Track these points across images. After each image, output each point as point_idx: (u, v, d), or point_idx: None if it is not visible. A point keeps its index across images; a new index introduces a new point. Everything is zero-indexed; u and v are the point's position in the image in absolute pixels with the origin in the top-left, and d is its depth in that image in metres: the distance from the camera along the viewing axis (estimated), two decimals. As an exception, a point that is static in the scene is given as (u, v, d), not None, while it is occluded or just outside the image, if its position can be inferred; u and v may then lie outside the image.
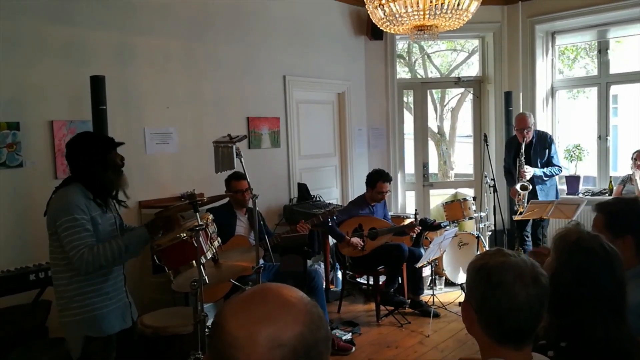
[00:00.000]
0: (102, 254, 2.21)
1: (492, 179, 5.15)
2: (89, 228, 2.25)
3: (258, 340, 0.78)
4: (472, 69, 10.12)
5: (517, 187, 5.00)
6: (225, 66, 4.79)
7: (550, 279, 1.53)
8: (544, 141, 5.18)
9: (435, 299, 4.77)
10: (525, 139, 5.06)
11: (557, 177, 5.33)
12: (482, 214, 5.62)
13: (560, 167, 5.21)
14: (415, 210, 5.09)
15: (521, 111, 5.64)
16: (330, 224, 4.47)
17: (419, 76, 10.52)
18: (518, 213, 4.91)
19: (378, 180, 4.72)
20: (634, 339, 1.59)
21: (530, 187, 5.00)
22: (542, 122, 6.21)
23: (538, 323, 1.29)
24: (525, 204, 4.93)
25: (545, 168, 5.08)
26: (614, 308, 1.55)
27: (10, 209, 3.43)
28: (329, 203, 5.41)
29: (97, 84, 3.53)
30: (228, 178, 4.03)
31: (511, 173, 5.24)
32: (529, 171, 4.97)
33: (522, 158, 5.01)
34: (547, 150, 5.15)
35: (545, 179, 5.10)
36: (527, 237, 5.21)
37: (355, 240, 4.57)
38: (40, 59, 3.59)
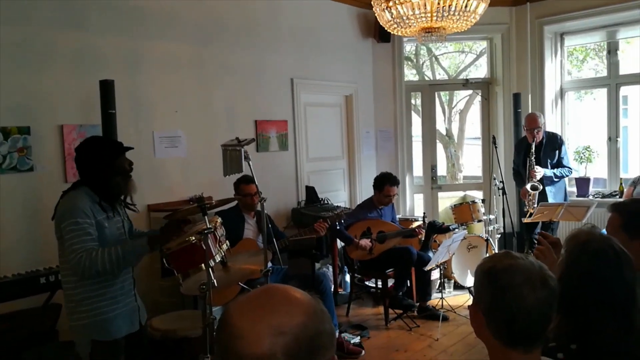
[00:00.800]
0: (99, 260, 2.20)
1: (501, 181, 5.12)
2: (91, 232, 2.25)
3: (260, 328, 0.79)
4: (480, 70, 10.09)
5: (528, 187, 4.97)
6: (234, 70, 4.81)
7: (560, 280, 1.52)
8: (554, 142, 5.15)
9: (444, 302, 4.74)
10: (535, 139, 5.04)
11: (566, 179, 5.30)
12: (491, 217, 5.59)
13: (570, 168, 5.19)
14: (424, 213, 5.07)
15: (530, 112, 5.61)
16: (338, 227, 4.46)
17: (426, 78, 10.49)
18: (527, 215, 4.88)
19: (385, 183, 4.70)
20: None
21: (541, 187, 4.97)
22: (551, 123, 6.17)
23: (547, 326, 1.28)
24: (535, 205, 4.91)
25: (556, 169, 5.06)
26: (624, 311, 1.54)
27: (21, 213, 3.46)
28: (337, 206, 5.41)
29: (107, 89, 3.56)
30: (237, 182, 4.04)
31: (520, 174, 5.21)
32: (539, 171, 4.95)
33: (533, 158, 4.99)
34: (557, 151, 5.13)
35: (555, 180, 5.08)
36: (536, 239, 5.16)
37: (364, 242, 4.55)
38: (50, 64, 3.62)
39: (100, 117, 3.55)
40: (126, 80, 3.96)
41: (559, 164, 5.11)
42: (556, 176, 5.06)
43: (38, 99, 3.57)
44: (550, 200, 5.01)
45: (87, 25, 3.81)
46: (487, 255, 4.85)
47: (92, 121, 3.75)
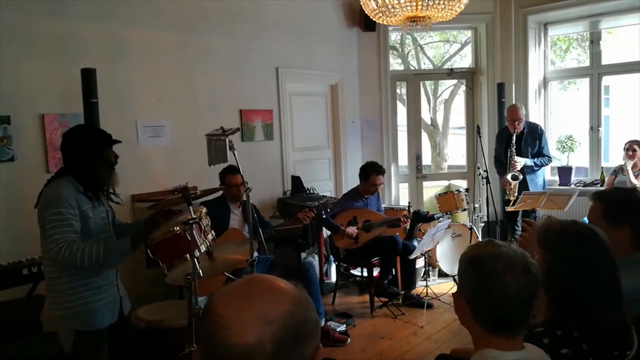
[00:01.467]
0: (79, 254, 2.17)
1: (484, 171, 5.17)
2: (73, 224, 2.22)
3: (246, 318, 0.80)
4: (465, 60, 10.12)
5: (508, 177, 5.11)
6: (218, 59, 4.76)
7: (546, 273, 1.55)
8: (534, 132, 5.30)
9: (429, 290, 4.80)
10: (516, 130, 5.16)
11: (546, 168, 5.45)
12: (475, 206, 5.65)
13: (550, 157, 5.36)
14: (409, 202, 5.10)
15: (513, 102, 5.68)
16: (324, 216, 4.47)
17: (411, 68, 10.51)
18: (511, 204, 4.95)
19: (371, 172, 4.71)
20: (628, 325, 1.61)
21: (521, 177, 5.12)
22: (534, 113, 6.23)
23: (529, 312, 1.30)
24: (516, 194, 5.03)
25: (536, 158, 5.22)
26: (611, 291, 1.57)
27: (2, 203, 3.41)
28: (323, 195, 5.41)
29: (88, 77, 3.50)
30: (222, 172, 4.01)
31: (502, 163, 5.36)
32: (520, 161, 5.10)
33: (513, 149, 5.12)
34: (537, 141, 5.28)
35: (535, 168, 5.24)
36: (518, 227, 5.27)
37: (351, 229, 4.56)
38: (30, 53, 3.55)
39: (82, 106, 3.50)
40: (108, 69, 3.90)
41: (539, 154, 5.26)
42: (536, 165, 5.22)
43: (18, 88, 3.50)
44: (531, 189, 5.12)
45: (68, 12, 3.73)
46: (471, 243, 4.91)
47: (73, 110, 3.69)
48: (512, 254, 1.30)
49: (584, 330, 1.54)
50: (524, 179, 5.16)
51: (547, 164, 5.36)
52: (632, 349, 1.57)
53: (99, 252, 2.21)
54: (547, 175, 6.36)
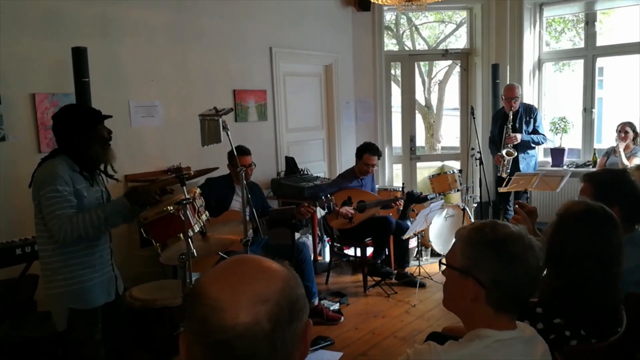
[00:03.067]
0: (80, 225, 2.18)
1: (478, 152, 5.19)
2: (70, 199, 2.22)
3: (241, 298, 0.79)
4: (460, 41, 10.05)
5: (503, 152, 5.19)
6: (211, 38, 4.71)
7: (548, 241, 1.57)
8: (530, 112, 5.40)
9: (422, 270, 4.85)
10: (512, 108, 5.23)
11: (539, 149, 5.57)
12: (468, 187, 5.68)
13: (545, 136, 5.45)
14: (403, 184, 5.11)
15: (508, 83, 5.70)
16: (321, 197, 4.47)
17: (406, 48, 10.43)
18: (504, 184, 4.98)
19: (365, 152, 4.73)
20: (620, 305, 1.64)
21: (515, 153, 5.21)
22: (528, 94, 6.23)
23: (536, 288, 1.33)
24: (509, 170, 5.15)
25: (532, 135, 5.31)
26: (606, 268, 1.60)
27: (-7, 184, 3.39)
28: (317, 176, 5.42)
29: (79, 56, 3.46)
30: (231, 152, 4.00)
31: (495, 143, 5.41)
32: (517, 136, 5.19)
33: (509, 125, 5.20)
34: (532, 120, 5.37)
35: (532, 145, 5.35)
36: (510, 207, 5.34)
37: (345, 209, 4.58)
38: (20, 31, 3.50)
39: (73, 85, 3.46)
40: (100, 48, 3.85)
41: (534, 133, 5.35)
42: (533, 142, 5.32)
43: (8, 67, 3.44)
44: (522, 168, 5.19)
45: (57, -11, 3.67)
46: (464, 224, 4.95)
47: (65, 89, 3.65)
48: (524, 233, 1.29)
49: (573, 302, 1.57)
50: (516, 159, 5.25)
51: (542, 142, 5.46)
52: (622, 325, 1.61)
53: (99, 216, 2.22)
54: (540, 156, 6.41)
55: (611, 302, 1.62)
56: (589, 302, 1.56)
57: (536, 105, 6.03)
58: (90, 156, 2.34)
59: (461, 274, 1.30)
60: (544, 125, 5.66)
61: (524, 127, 5.31)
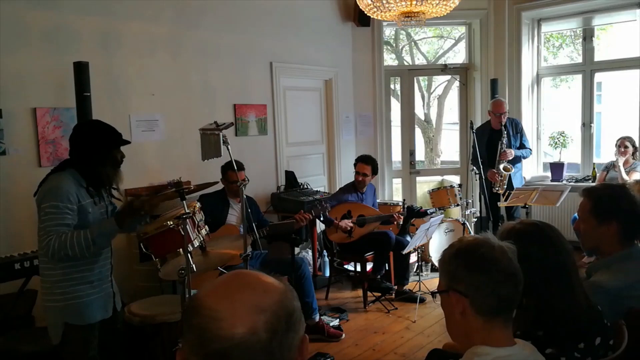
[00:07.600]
0: (67, 243, 2.16)
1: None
2: (67, 218, 2.21)
3: (239, 308, 0.80)
4: (458, 56, 10.13)
5: (500, 167, 5.18)
6: (212, 53, 4.74)
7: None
8: (516, 127, 5.45)
9: (422, 285, 4.82)
10: (502, 123, 5.22)
11: (533, 164, 5.80)
12: (468, 201, 5.67)
13: (530, 149, 5.57)
14: (403, 199, 5.11)
15: (506, 98, 5.73)
16: (317, 204, 4.47)
17: (406, 63, 10.50)
18: (503, 199, 4.97)
19: (358, 161, 4.79)
20: (595, 307, 1.62)
21: (512, 169, 5.20)
22: (527, 109, 6.27)
23: (521, 289, 1.33)
24: (505, 186, 5.15)
25: (519, 150, 5.37)
26: (566, 281, 1.58)
27: (-7, 198, 3.39)
28: (317, 191, 5.42)
29: (81, 70, 3.48)
30: (225, 167, 4.01)
31: (478, 160, 4.96)
32: (511, 152, 5.20)
33: (504, 140, 5.20)
34: (519, 135, 5.43)
35: (522, 159, 5.43)
36: (502, 220, 5.33)
37: (345, 222, 4.57)
38: (22, 45, 3.52)
39: (75, 99, 3.47)
40: (101, 62, 3.88)
41: (521, 147, 5.41)
42: (523, 156, 5.41)
43: (10, 81, 3.46)
44: (516, 183, 5.25)
45: (61, 3, 3.70)
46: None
47: (66, 104, 3.67)
48: (490, 237, 1.35)
49: (541, 319, 1.55)
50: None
51: (528, 156, 5.54)
52: (604, 336, 1.58)
53: (87, 237, 2.19)
54: (538, 171, 6.43)
55: (585, 305, 1.60)
56: (568, 314, 1.54)
57: (535, 120, 6.07)
58: (99, 175, 2.34)
59: (445, 293, 1.35)
60: (544, 141, 5.71)
61: (512, 141, 5.34)
